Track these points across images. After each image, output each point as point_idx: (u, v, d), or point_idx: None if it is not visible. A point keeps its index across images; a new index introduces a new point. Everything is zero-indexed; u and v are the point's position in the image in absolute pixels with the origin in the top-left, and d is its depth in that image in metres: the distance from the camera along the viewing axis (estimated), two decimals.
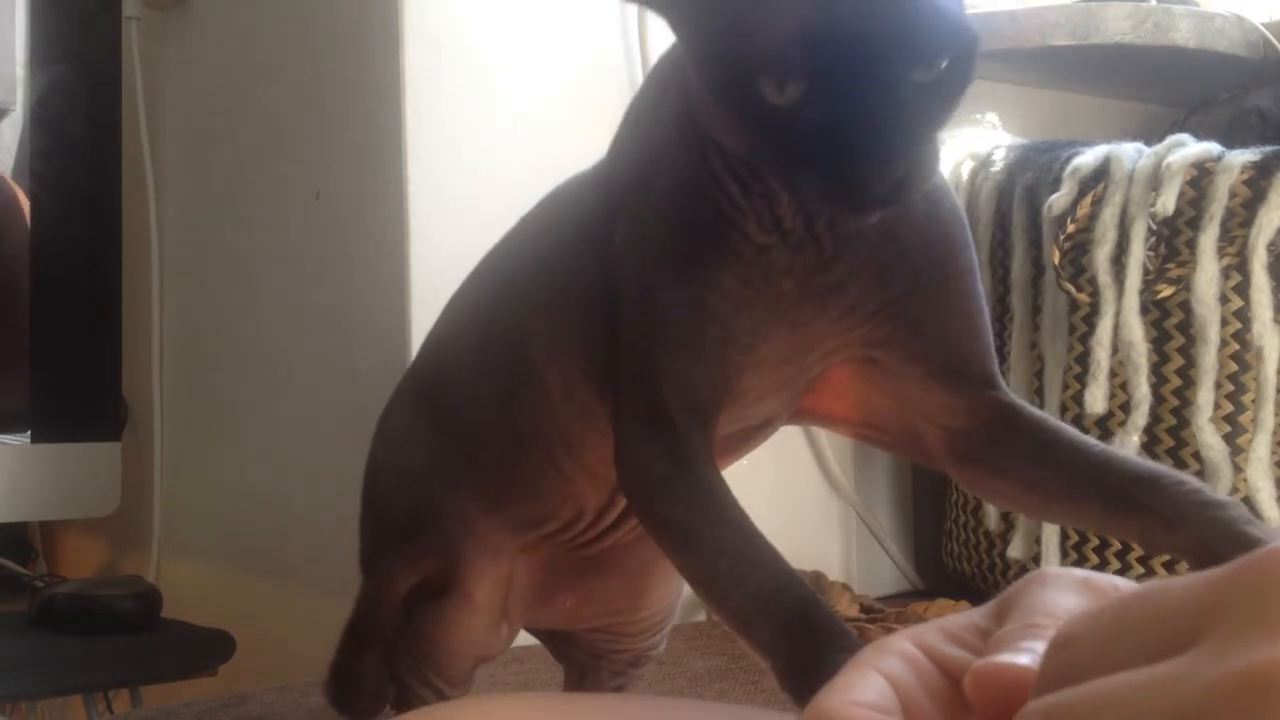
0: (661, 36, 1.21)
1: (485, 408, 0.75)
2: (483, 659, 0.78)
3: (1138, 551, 1.13)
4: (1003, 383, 0.70)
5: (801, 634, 0.58)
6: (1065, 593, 0.36)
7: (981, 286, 0.71)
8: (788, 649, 0.58)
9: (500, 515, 0.75)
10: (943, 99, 0.56)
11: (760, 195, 0.63)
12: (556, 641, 0.87)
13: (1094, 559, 1.16)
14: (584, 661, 0.86)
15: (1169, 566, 1.13)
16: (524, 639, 0.84)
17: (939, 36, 0.55)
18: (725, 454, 0.72)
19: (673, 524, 0.65)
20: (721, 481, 0.66)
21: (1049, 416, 0.70)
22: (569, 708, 0.59)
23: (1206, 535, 0.61)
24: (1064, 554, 1.17)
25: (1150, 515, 0.63)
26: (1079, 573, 0.37)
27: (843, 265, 0.65)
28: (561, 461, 0.73)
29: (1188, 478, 0.63)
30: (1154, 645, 0.27)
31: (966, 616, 0.38)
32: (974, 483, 0.71)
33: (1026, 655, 0.33)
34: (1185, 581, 0.28)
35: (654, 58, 1.21)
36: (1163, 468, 0.65)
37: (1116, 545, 1.15)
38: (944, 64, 0.55)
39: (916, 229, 0.66)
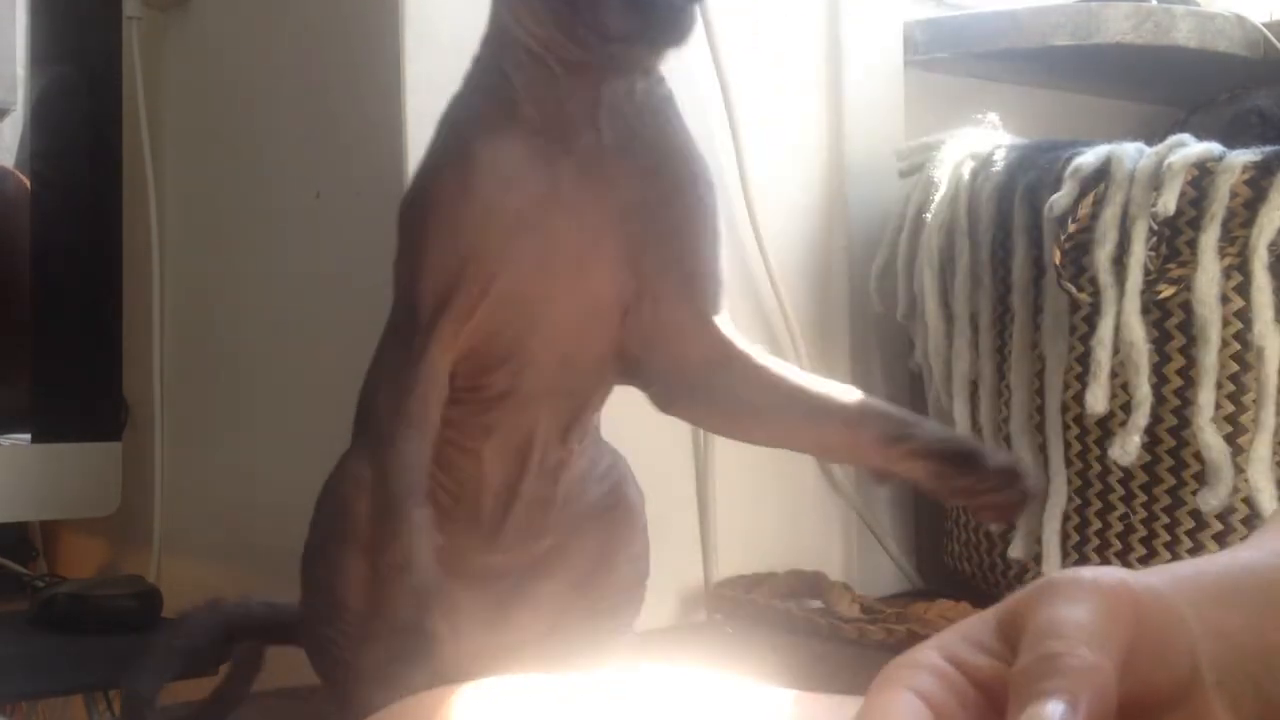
0: None
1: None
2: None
3: (1138, 551, 1.14)
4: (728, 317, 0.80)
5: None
6: (1076, 604, 0.35)
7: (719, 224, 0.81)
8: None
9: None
10: None
11: (543, 83, 0.74)
12: None
13: (1095, 559, 1.16)
14: None
15: None
16: None
17: None
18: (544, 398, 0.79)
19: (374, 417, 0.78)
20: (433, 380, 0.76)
21: (762, 352, 0.80)
22: (576, 690, 0.58)
23: (928, 435, 0.73)
24: (1064, 554, 1.17)
25: (866, 425, 0.75)
26: (1087, 575, 0.36)
27: (615, 160, 0.75)
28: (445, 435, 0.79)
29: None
30: None
31: (983, 621, 0.38)
32: (687, 409, 0.82)
33: (1058, 703, 0.32)
34: None
35: None
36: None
37: (1117, 545, 1.15)
38: None
39: (668, 148, 0.77)
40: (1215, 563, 0.40)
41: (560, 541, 0.84)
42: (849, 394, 0.77)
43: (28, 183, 1.48)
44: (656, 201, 0.77)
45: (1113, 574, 0.37)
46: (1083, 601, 0.35)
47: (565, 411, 0.80)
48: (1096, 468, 1.16)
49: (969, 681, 0.36)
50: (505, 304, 0.75)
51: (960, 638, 0.37)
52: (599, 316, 0.77)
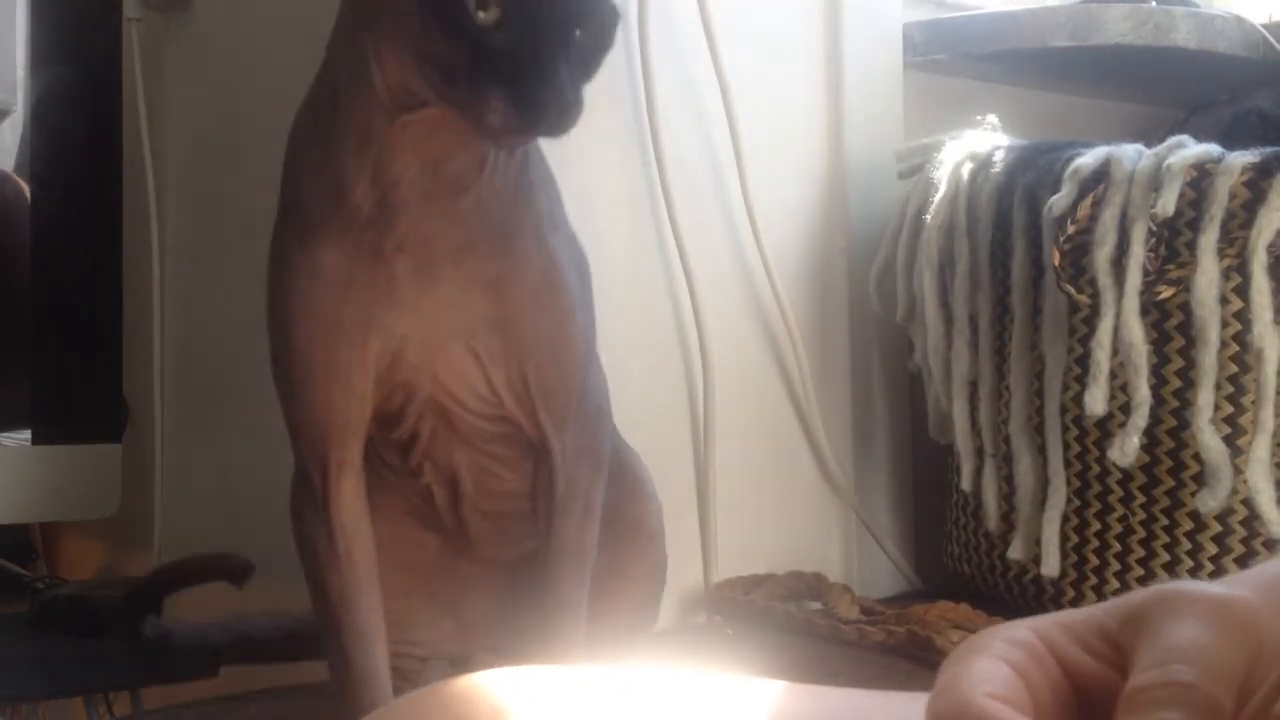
0: (664, 42, 1.21)
1: None
2: None
3: (1137, 552, 1.14)
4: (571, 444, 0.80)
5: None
6: (1203, 626, 0.33)
7: (589, 334, 0.80)
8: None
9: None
10: (594, 53, 0.69)
11: (383, 153, 0.71)
12: None
13: (1094, 560, 1.16)
14: None
15: (1169, 568, 1.13)
16: None
17: (593, 4, 0.68)
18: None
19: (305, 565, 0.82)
20: (348, 526, 0.80)
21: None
22: (588, 681, 0.58)
23: None
24: (1064, 555, 1.17)
25: None
26: (1214, 594, 0.35)
27: (456, 263, 0.72)
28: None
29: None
30: None
31: (1090, 615, 0.36)
32: None
33: None
34: None
35: (654, 61, 1.21)
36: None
37: (1116, 546, 1.15)
38: (593, 27, 0.68)
39: (523, 252, 0.74)
40: None
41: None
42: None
43: (25, 186, 1.48)
44: (511, 316, 0.74)
45: (1239, 597, 0.35)
46: (1210, 624, 0.33)
47: (485, 454, 0.81)
48: (1096, 469, 1.16)
49: (1061, 669, 0.34)
50: (379, 388, 0.76)
51: (1058, 625, 0.36)
52: (462, 399, 0.77)
